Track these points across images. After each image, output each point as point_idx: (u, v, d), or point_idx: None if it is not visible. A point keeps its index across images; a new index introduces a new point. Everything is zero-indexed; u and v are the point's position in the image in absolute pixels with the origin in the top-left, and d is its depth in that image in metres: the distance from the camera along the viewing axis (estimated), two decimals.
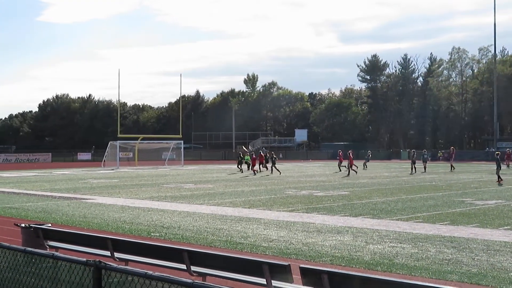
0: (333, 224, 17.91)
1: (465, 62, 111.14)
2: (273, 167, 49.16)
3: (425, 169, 50.64)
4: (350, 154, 47.16)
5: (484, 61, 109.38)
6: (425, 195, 27.55)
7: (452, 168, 51.36)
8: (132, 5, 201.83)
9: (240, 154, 56.90)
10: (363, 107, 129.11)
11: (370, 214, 20.27)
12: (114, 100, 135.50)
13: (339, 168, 51.38)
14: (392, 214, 20.29)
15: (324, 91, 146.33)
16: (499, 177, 36.02)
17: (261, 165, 51.45)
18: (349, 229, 16.96)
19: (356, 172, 46.37)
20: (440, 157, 74.98)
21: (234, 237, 15.74)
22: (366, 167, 57.30)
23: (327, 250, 13.73)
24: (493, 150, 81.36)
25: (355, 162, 49.14)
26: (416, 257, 12.76)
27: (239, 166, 53.33)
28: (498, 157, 37.02)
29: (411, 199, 25.70)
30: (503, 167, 56.52)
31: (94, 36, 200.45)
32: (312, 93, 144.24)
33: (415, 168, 48.62)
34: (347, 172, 46.25)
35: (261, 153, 54.53)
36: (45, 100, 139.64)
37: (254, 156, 52.03)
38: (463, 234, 15.85)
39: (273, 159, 50.30)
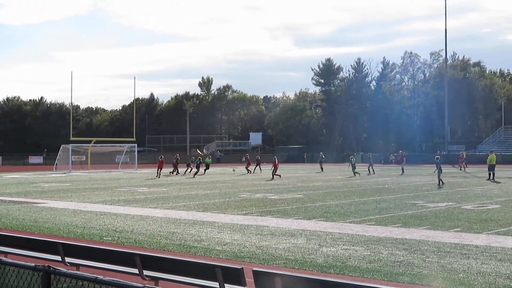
0: (286, 227, 17.97)
1: (417, 67, 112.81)
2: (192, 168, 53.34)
3: (355, 174, 49.30)
4: (275, 159, 47.68)
5: (436, 66, 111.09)
6: (377, 198, 27.86)
7: (402, 171, 51.73)
8: (86, 7, 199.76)
9: (192, 158, 58.28)
10: (317, 110, 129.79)
11: (324, 217, 20.40)
12: (67, 102, 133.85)
13: (247, 170, 56.05)
14: (345, 217, 20.46)
15: (278, 95, 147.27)
16: (440, 180, 36.57)
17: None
18: (302, 232, 17.04)
19: (280, 176, 45.94)
20: (393, 161, 75.75)
21: (188, 240, 15.68)
22: (322, 169, 57.56)
23: (281, 253, 13.77)
24: (445, 153, 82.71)
25: (308, 165, 49.47)
26: (369, 259, 12.88)
27: (196, 169, 53.55)
28: (438, 160, 37.47)
29: (364, 202, 25.95)
30: (456, 169, 57.70)
31: (47, 38, 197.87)
32: (266, 96, 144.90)
33: (354, 172, 49.02)
34: (271, 176, 46.00)
35: (177, 156, 55.70)
36: None
37: (161, 159, 52.77)
38: (414, 236, 16.06)
39: (197, 161, 53.92)
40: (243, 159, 75.06)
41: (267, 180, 43.19)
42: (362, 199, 27.30)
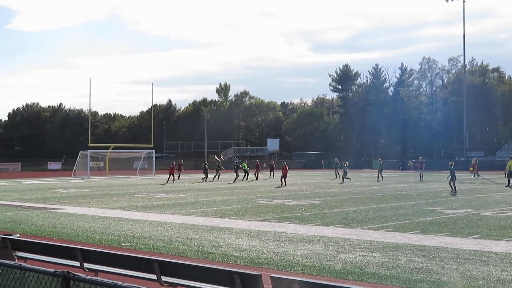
0: (304, 234, 17.92)
1: (435, 72, 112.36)
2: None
3: (342, 179, 49.21)
4: (285, 165, 46.92)
5: (454, 71, 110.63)
6: (395, 204, 27.72)
7: (422, 177, 51.47)
8: (103, 13, 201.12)
9: (219, 162, 59.30)
10: (334, 116, 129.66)
11: (342, 223, 20.33)
12: (85, 109, 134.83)
13: (256, 175, 56.58)
14: (363, 223, 20.37)
15: (296, 101, 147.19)
16: (453, 187, 35.97)
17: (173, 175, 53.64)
18: (320, 238, 16.99)
19: (284, 184, 44.67)
20: (411, 167, 75.38)
21: (206, 246, 15.68)
22: (339, 176, 56.02)
23: (299, 259, 13.73)
24: (463, 159, 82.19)
25: (326, 171, 49.39)
26: (387, 266, 12.81)
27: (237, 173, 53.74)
28: (452, 167, 36.90)
29: (382, 208, 25.83)
30: (470, 176, 57.30)
31: (65, 44, 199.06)
32: (284, 102, 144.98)
33: (343, 178, 48.77)
34: (280, 183, 44.92)
35: (174, 163, 55.89)
36: (15, 109, 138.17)
37: (172, 165, 53.51)
38: (433, 243, 15.96)
39: (234, 167, 55.38)
40: (264, 165, 75.47)
41: (276, 187, 42.76)
42: (380, 206, 27.19)
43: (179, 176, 54.62)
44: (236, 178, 51.95)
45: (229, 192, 37.42)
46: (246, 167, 55.23)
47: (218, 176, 54.93)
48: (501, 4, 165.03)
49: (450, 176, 36.52)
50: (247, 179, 53.50)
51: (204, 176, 53.66)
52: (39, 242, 11.98)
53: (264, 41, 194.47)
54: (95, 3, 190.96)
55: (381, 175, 51.99)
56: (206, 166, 55.44)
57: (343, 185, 43.92)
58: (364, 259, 13.59)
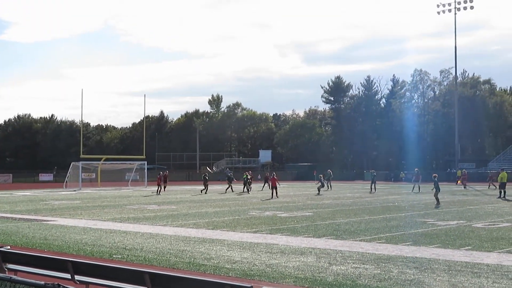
0: (296, 245, 17.90)
1: (427, 84, 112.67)
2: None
3: (319, 190, 49.94)
4: (274, 176, 46.37)
5: (445, 83, 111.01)
6: (387, 216, 27.73)
7: (414, 189, 51.37)
8: (96, 25, 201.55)
9: (229, 174, 59.17)
10: (327, 128, 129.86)
11: (334, 235, 20.32)
12: (77, 120, 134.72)
13: (247, 188, 54.63)
14: (355, 235, 20.37)
15: (288, 112, 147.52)
16: (437, 198, 35.96)
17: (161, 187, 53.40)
18: (312, 250, 16.97)
19: (273, 195, 44.09)
20: (403, 178, 75.44)
21: (197, 258, 15.64)
22: (330, 188, 56.03)
23: (291, 271, 13.71)
24: (455, 171, 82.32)
25: (318, 183, 49.66)
26: (379, 277, 12.80)
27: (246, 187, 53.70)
28: (435, 179, 36.85)
29: (374, 220, 25.85)
30: (460, 187, 57.42)
31: (58, 55, 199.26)
32: (276, 114, 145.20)
33: (330, 187, 49.37)
34: (271, 194, 44.37)
35: (161, 173, 55.72)
36: (7, 120, 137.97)
37: (159, 176, 53.79)
38: (425, 254, 15.96)
39: (244, 179, 54.19)
40: (259, 176, 75.26)
41: (267, 199, 42.41)
42: (372, 217, 27.20)
43: (164, 187, 54.18)
44: (246, 190, 52.25)
45: (221, 204, 37.36)
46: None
47: (231, 188, 54.35)
48: (493, 16, 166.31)
49: (434, 188, 36.52)
50: (248, 192, 52.99)
51: (204, 188, 52.96)
52: (30, 254, 11.92)
53: (257, 52, 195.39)
54: (88, 14, 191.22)
55: (374, 186, 51.96)
56: (207, 178, 54.98)
57: (335, 197, 43.93)
58: (356, 271, 13.58)
